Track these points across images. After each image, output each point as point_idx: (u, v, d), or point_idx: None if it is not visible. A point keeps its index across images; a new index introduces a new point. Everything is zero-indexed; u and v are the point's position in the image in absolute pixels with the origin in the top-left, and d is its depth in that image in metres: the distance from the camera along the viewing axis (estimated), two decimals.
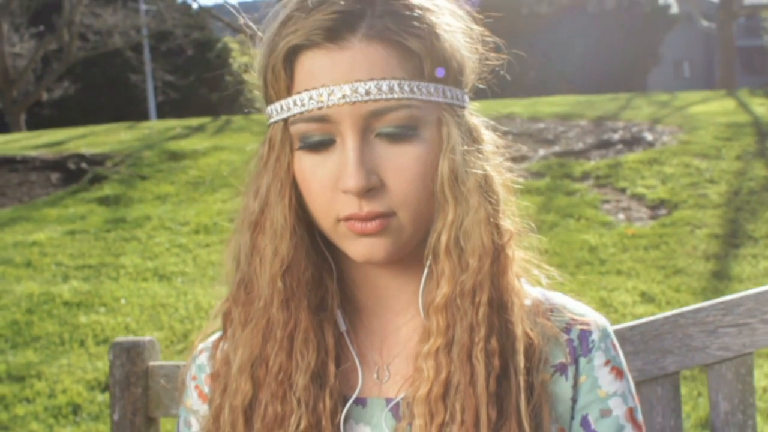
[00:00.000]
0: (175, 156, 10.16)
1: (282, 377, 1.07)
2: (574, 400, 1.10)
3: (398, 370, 1.11)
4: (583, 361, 1.11)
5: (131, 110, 25.72)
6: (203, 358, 1.22)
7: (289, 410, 1.06)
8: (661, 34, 33.11)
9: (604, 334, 1.13)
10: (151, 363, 1.53)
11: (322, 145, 1.05)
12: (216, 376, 1.14)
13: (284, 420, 1.06)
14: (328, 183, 1.04)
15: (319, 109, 1.03)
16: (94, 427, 4.55)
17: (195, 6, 25.39)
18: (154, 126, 13.51)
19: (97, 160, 9.94)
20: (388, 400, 1.11)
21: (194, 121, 13.76)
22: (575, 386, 1.10)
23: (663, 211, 7.61)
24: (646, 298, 5.65)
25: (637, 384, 1.42)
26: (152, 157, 10.11)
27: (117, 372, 1.51)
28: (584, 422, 1.10)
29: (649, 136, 9.94)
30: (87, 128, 14.33)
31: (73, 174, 9.52)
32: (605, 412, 1.10)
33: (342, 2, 1.04)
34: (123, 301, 6.10)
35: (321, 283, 1.10)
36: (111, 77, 26.32)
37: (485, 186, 1.08)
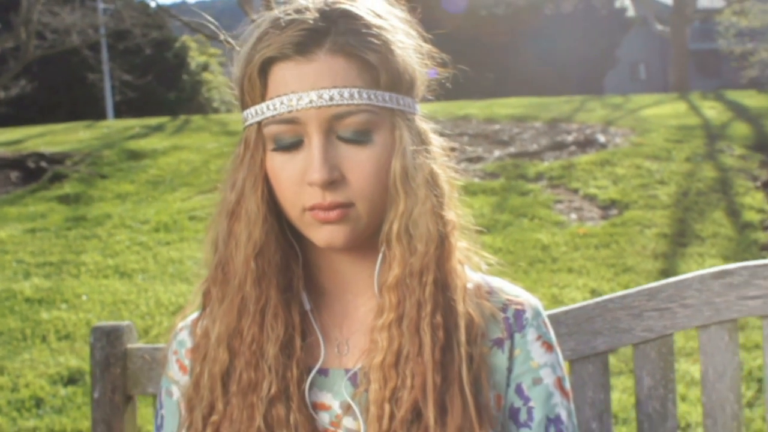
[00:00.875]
0: (135, 155, 10.24)
1: (255, 347, 1.20)
2: (510, 370, 1.25)
3: (356, 344, 1.26)
4: (517, 336, 1.26)
5: (88, 109, 25.58)
6: (184, 335, 1.35)
7: (261, 376, 1.19)
8: (617, 37, 33.42)
9: (536, 313, 1.29)
10: (129, 345, 1.67)
11: (293, 146, 1.19)
12: (196, 347, 1.27)
13: (257, 385, 1.19)
14: (296, 178, 1.19)
15: (289, 112, 1.18)
16: (57, 419, 4.64)
17: (153, 5, 25.29)
18: (112, 125, 13.56)
19: (56, 159, 9.99)
20: (347, 371, 1.25)
21: (153, 121, 13.82)
22: (510, 358, 1.25)
23: (614, 211, 7.80)
24: (596, 295, 5.82)
25: (571, 362, 1.57)
26: (112, 156, 10.19)
27: (97, 354, 1.64)
28: (518, 389, 1.25)
29: (602, 138, 10.14)
30: (45, 127, 14.35)
31: (32, 173, 9.56)
32: (537, 381, 1.25)
33: (310, 21, 1.18)
34: (84, 298, 6.19)
35: (288, 267, 1.24)
36: (68, 76, 26.16)
37: (431, 182, 1.22)
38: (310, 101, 1.17)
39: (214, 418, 1.21)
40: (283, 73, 1.19)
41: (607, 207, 7.92)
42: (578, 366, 1.57)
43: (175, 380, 1.33)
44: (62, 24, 21.93)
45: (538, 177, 8.70)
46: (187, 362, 1.32)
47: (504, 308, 1.28)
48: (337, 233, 1.20)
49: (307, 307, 1.26)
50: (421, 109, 1.29)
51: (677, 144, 9.71)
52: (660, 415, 1.54)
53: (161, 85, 28.50)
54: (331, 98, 1.17)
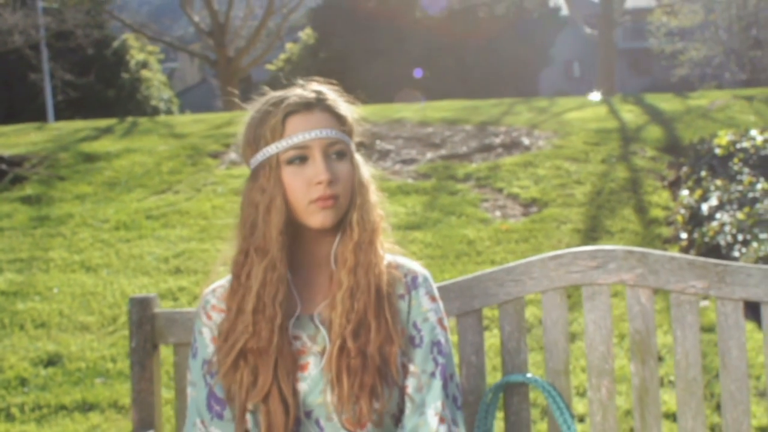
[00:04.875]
0: (90, 158, 10.80)
1: (267, 300, 1.97)
2: (408, 313, 2.05)
3: (322, 298, 2.03)
4: (413, 292, 2.06)
5: (27, 108, 25.78)
6: (209, 297, 2.09)
7: (272, 313, 1.97)
8: (551, 36, 34.14)
9: (425, 278, 2.09)
10: (155, 310, 2.41)
11: (302, 161, 1.98)
12: (233, 293, 2.01)
13: (273, 318, 1.96)
14: (305, 181, 1.97)
15: (303, 141, 1.98)
16: (41, 396, 5.28)
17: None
18: (62, 127, 13.99)
19: (15, 162, 10.53)
20: (312, 315, 2.02)
21: (102, 123, 14.28)
22: (409, 306, 2.05)
23: (534, 209, 8.46)
24: None
25: (457, 316, 2.35)
26: (68, 159, 10.74)
27: (134, 316, 2.38)
28: (414, 325, 2.04)
29: (526, 141, 10.83)
30: None
31: None
32: (425, 319, 2.05)
33: (310, 96, 2.02)
34: (55, 291, 6.81)
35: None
36: (7, 75, 26.28)
37: (372, 187, 2.06)
38: (316, 135, 1.99)
39: (246, 336, 1.96)
40: (297, 121, 2.00)
41: (528, 205, 8.58)
42: (462, 319, 2.35)
43: (205, 324, 2.07)
44: (5, 24, 22.28)
45: (467, 178, 9.35)
46: (212, 313, 2.07)
47: (405, 275, 2.08)
48: (328, 216, 1.99)
49: (288, 277, 2.02)
50: (360, 111, 2.13)
51: (595, 146, 10.44)
52: (516, 350, 2.33)
53: (100, 83, 28.68)
54: (326, 134, 2.00)
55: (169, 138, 11.98)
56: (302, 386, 1.98)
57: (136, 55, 31.74)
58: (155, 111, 31.30)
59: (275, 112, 2.00)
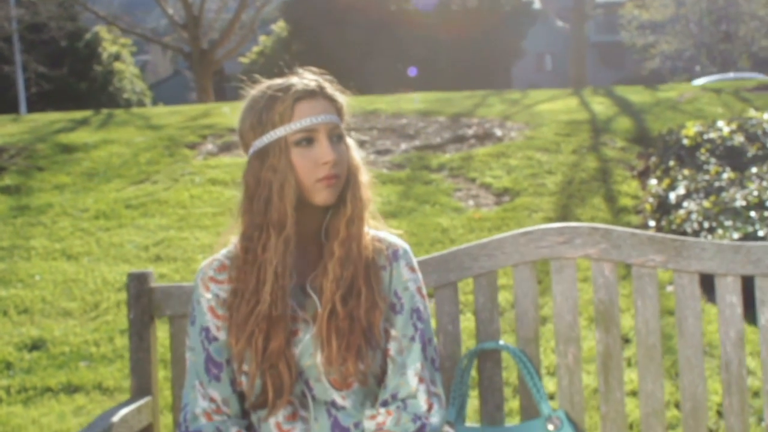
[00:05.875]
0: (68, 149, 10.90)
1: (279, 270, 2.14)
2: (390, 283, 2.22)
3: (311, 269, 2.20)
4: (394, 264, 2.23)
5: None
6: (206, 269, 2.25)
7: (285, 283, 2.14)
8: (523, 29, 34.38)
9: (405, 251, 2.26)
10: (152, 284, 2.57)
11: (309, 142, 2.14)
12: (245, 263, 2.17)
13: (286, 287, 2.14)
14: (312, 162, 2.14)
15: (311, 125, 2.15)
16: (27, 378, 5.42)
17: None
18: (38, 119, 14.05)
19: None
20: (304, 285, 2.19)
21: (77, 114, 14.35)
22: (390, 276, 2.23)
23: (506, 198, 8.63)
24: None
25: (435, 288, 2.53)
26: (46, 150, 10.83)
27: (132, 290, 2.54)
28: (395, 293, 2.22)
29: (498, 132, 11.01)
30: None
31: None
32: (405, 288, 2.22)
33: (312, 84, 2.18)
34: (37, 278, 6.93)
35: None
36: None
37: (363, 167, 2.23)
38: (322, 120, 2.16)
39: (265, 305, 2.13)
40: (304, 106, 2.16)
41: (501, 194, 8.75)
42: (439, 291, 2.53)
43: (203, 294, 2.23)
44: None
45: (440, 168, 9.51)
46: (210, 285, 2.23)
47: (387, 248, 2.26)
48: (332, 193, 2.16)
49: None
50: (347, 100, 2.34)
51: (566, 137, 10.62)
52: (489, 320, 2.51)
53: (72, 75, 28.65)
54: (330, 119, 2.17)
55: (145, 129, 12.07)
56: (294, 350, 2.16)
57: (108, 48, 31.70)
58: (128, 103, 31.26)
59: (284, 98, 2.16)
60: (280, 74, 2.28)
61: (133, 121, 13.01)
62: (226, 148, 10.70)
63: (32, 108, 25.04)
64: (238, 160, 9.94)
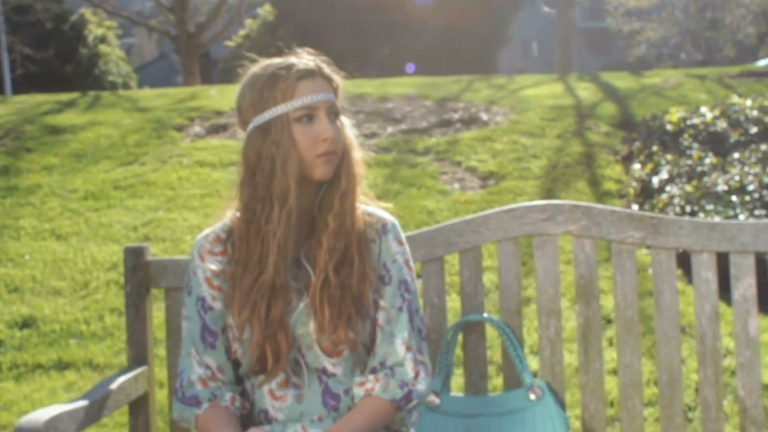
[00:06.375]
0: (55, 130, 10.92)
1: (289, 238, 2.24)
2: (379, 255, 2.32)
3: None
4: (383, 237, 2.33)
5: None
6: (202, 241, 2.34)
7: (287, 254, 2.25)
8: (509, 15, 34.37)
9: (393, 225, 2.37)
10: (148, 258, 2.65)
11: (309, 119, 2.23)
12: (252, 234, 2.25)
13: (287, 258, 2.25)
14: (313, 138, 2.23)
15: (313, 102, 2.23)
16: (18, 355, 5.49)
17: None
18: (25, 101, 14.04)
19: None
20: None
21: (64, 96, 14.34)
22: (379, 249, 2.33)
23: (492, 182, 8.70)
24: None
25: (422, 263, 2.62)
26: (34, 131, 10.85)
27: (129, 263, 2.63)
28: (384, 265, 2.32)
29: (484, 116, 11.07)
30: None
31: None
32: (394, 260, 2.32)
33: (312, 65, 2.27)
34: (27, 257, 6.99)
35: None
36: None
37: (356, 144, 2.33)
38: (323, 98, 2.25)
39: (269, 275, 2.22)
40: (305, 84, 2.25)
41: (486, 178, 8.82)
42: (426, 265, 2.63)
43: (199, 266, 2.32)
44: None
45: (426, 151, 9.58)
46: (206, 256, 2.32)
47: (377, 222, 2.36)
48: (330, 169, 2.26)
49: None
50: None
51: (551, 122, 10.69)
52: (474, 293, 2.61)
53: (57, 58, 28.54)
54: (330, 97, 2.26)
55: (133, 112, 12.10)
56: (288, 319, 2.25)
57: (94, 30, 31.57)
58: (113, 86, 31.15)
59: (287, 76, 2.25)
60: (269, 57, 2.36)
61: (120, 103, 13.02)
62: (213, 130, 10.76)
63: (17, 90, 24.96)
64: (226, 142, 10.01)
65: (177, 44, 25.54)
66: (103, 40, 31.94)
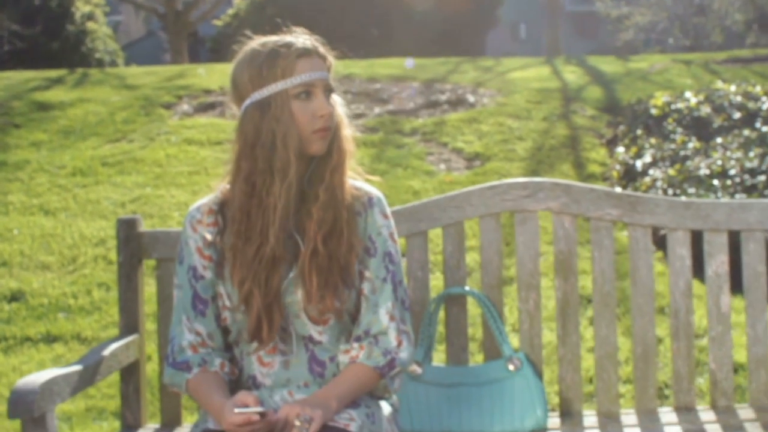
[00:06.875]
0: (44, 106, 10.94)
1: (282, 213, 2.32)
2: (365, 228, 2.41)
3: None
4: (369, 210, 2.42)
5: None
6: (194, 212, 2.42)
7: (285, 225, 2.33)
8: None
9: (379, 199, 2.45)
10: (140, 229, 2.73)
11: (307, 96, 2.31)
12: (254, 206, 2.31)
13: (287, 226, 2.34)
14: (311, 114, 2.31)
15: (311, 80, 2.31)
16: (7, 328, 5.55)
17: None
18: (12, 77, 14.04)
19: None
20: (287, 227, 2.37)
21: (52, 73, 14.33)
22: (365, 221, 2.41)
23: (477, 163, 8.77)
24: None
25: (406, 237, 2.70)
26: (22, 107, 10.86)
27: (121, 234, 2.71)
28: (369, 237, 2.40)
29: (471, 98, 11.11)
30: None
31: None
32: (378, 233, 2.41)
33: (309, 44, 2.35)
34: (15, 232, 7.03)
35: None
36: None
37: (346, 121, 2.41)
38: (319, 75, 2.33)
39: (270, 245, 2.30)
40: (304, 62, 2.33)
41: (472, 159, 8.88)
42: (410, 239, 2.71)
43: (191, 236, 2.40)
44: None
45: (413, 132, 9.63)
46: (197, 227, 2.40)
47: (363, 196, 2.44)
48: (324, 144, 2.34)
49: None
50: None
51: (537, 105, 10.74)
52: (456, 267, 2.70)
53: (44, 35, 28.41)
54: (326, 76, 2.35)
55: (121, 89, 12.12)
56: None
57: (81, 7, 31.44)
58: (100, 63, 31.03)
59: (287, 54, 2.33)
60: (263, 35, 2.43)
61: (108, 80, 13.02)
62: (201, 108, 10.79)
63: (4, 66, 24.86)
64: (214, 120, 10.05)
65: (165, 22, 25.51)
66: (90, 17, 31.82)
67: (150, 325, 4.93)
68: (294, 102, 2.32)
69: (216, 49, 28.55)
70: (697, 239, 2.77)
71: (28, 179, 8.33)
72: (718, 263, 2.69)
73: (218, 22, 33.81)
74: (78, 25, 30.81)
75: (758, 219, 2.71)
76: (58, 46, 29.17)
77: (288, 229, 2.35)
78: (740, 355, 4.37)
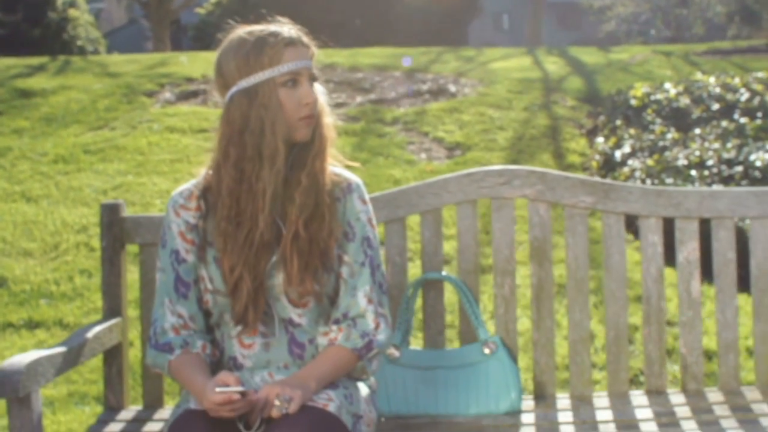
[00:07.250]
0: (25, 94, 10.94)
1: (276, 196, 2.39)
2: (344, 213, 2.46)
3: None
4: (348, 196, 2.48)
5: None
6: (177, 198, 2.47)
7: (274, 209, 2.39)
8: None
9: (357, 185, 2.51)
10: (123, 215, 2.77)
11: (294, 84, 2.36)
12: (244, 192, 2.37)
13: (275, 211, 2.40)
14: (297, 101, 2.37)
15: (298, 68, 2.37)
16: None
17: None
18: None
19: None
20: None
21: (34, 60, 14.31)
22: (344, 207, 2.47)
23: (458, 152, 8.82)
24: None
25: (385, 223, 2.76)
26: (3, 94, 10.86)
27: (105, 219, 2.76)
28: (348, 223, 2.46)
29: (452, 88, 11.17)
30: None
31: None
32: (357, 218, 2.47)
33: (294, 33, 2.40)
34: None
35: None
36: None
37: (327, 109, 2.46)
38: (305, 64, 2.38)
39: (260, 230, 2.36)
40: (291, 51, 2.38)
41: (453, 148, 8.94)
42: (389, 225, 2.77)
43: (174, 220, 2.45)
44: None
45: (395, 121, 9.68)
46: (180, 211, 2.45)
47: (342, 182, 2.50)
48: (308, 131, 2.40)
49: None
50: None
51: (518, 95, 10.81)
52: (433, 253, 2.76)
53: (26, 21, 28.28)
54: (311, 64, 2.40)
55: (103, 77, 12.12)
56: None
57: None
58: (82, 51, 30.92)
59: (274, 43, 2.38)
60: (248, 25, 2.47)
61: (90, 68, 13.02)
62: (183, 96, 10.81)
63: None
64: (196, 108, 10.07)
65: (147, 10, 25.44)
66: (72, 4, 31.68)
67: (132, 312, 4.98)
68: (281, 90, 2.36)
69: (198, 38, 28.50)
70: (669, 227, 2.83)
71: (10, 166, 8.34)
72: (689, 250, 2.76)
73: (201, 11, 33.73)
74: (60, 12, 30.68)
75: (728, 207, 2.78)
76: (39, 34, 29.05)
77: (271, 213, 2.40)
78: (712, 342, 4.45)
